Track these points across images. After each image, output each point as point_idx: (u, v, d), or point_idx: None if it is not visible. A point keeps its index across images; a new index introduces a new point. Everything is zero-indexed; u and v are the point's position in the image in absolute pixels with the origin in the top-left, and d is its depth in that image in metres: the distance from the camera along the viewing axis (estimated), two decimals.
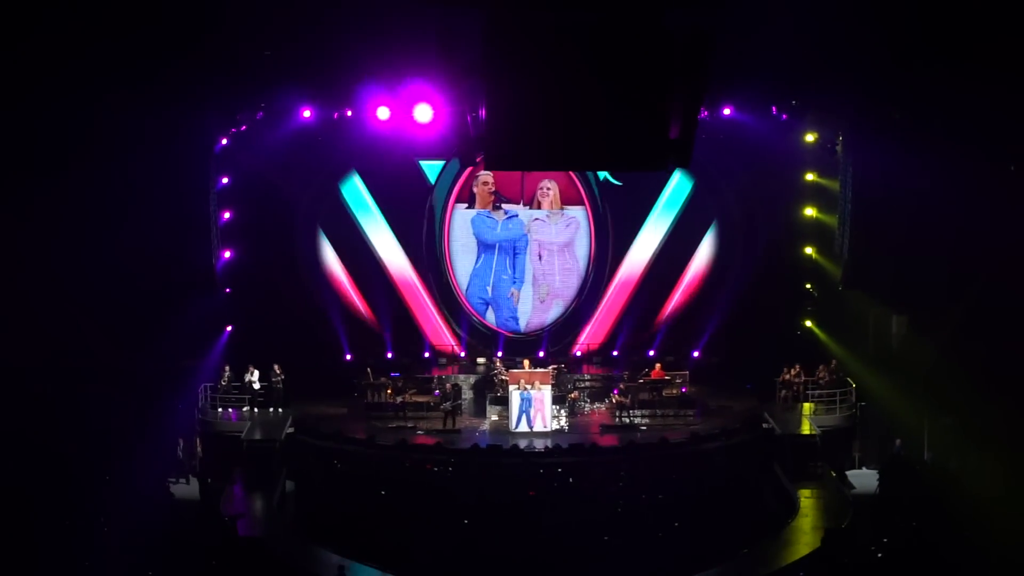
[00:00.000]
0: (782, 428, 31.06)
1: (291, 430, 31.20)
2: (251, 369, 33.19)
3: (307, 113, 33.50)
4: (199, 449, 31.26)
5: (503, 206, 36.22)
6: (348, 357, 36.09)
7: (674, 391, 33.67)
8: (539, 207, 36.31)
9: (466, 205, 36.36)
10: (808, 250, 35.86)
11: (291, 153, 34.18)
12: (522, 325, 37.00)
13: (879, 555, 22.25)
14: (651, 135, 8.00)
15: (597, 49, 7.79)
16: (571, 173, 35.75)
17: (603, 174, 36.06)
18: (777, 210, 35.38)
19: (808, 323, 35.86)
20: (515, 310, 36.75)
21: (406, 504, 27.07)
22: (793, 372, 33.15)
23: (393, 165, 35.85)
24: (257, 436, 30.96)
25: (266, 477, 29.48)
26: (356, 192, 36.15)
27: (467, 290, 36.71)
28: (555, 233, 36.43)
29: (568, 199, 36.37)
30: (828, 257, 35.04)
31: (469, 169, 35.00)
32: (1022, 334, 27.32)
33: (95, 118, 27.75)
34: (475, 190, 36.22)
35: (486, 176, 35.91)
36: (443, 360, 36.83)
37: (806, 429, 31.14)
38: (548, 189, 36.25)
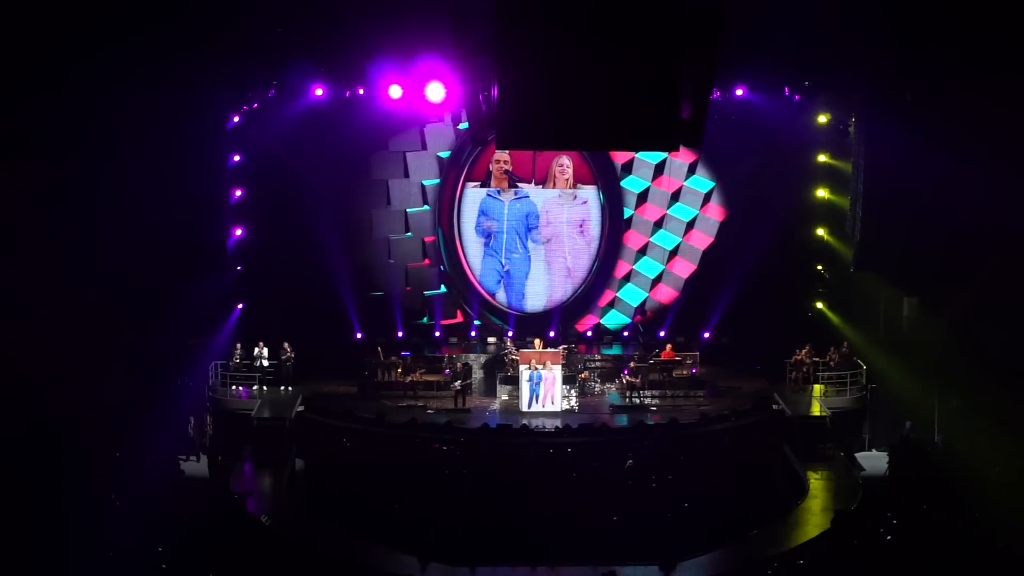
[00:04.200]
0: (792, 410, 31.07)
1: (301, 408, 31.21)
2: (260, 346, 33.27)
3: (319, 91, 33.47)
4: (209, 427, 31.32)
5: (517, 185, 36.15)
6: (358, 336, 36.10)
7: (684, 372, 33.69)
8: (555, 186, 36.25)
9: (478, 184, 36.31)
10: (819, 231, 35.79)
11: (303, 131, 34.16)
12: (533, 305, 36.96)
13: (888, 537, 22.24)
14: (663, 115, 7.97)
15: (609, 28, 7.76)
16: (582, 152, 35.64)
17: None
18: (789, 191, 35.26)
19: (819, 305, 35.82)
20: (525, 288, 36.72)
21: (415, 483, 27.11)
22: (804, 353, 33.11)
23: (404, 143, 35.87)
24: (267, 414, 31.06)
25: (276, 455, 29.58)
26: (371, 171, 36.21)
27: (479, 269, 36.68)
28: (568, 212, 36.38)
29: (580, 178, 36.32)
30: (839, 238, 34.97)
31: (481, 148, 34.98)
32: None
33: (107, 96, 27.74)
34: (491, 168, 36.19)
35: (501, 155, 35.83)
36: (453, 339, 36.84)
37: (816, 411, 31.17)
38: (566, 167, 36.18)
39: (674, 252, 36.63)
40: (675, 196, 36.30)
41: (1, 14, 25.01)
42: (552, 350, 33.00)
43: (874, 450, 31.15)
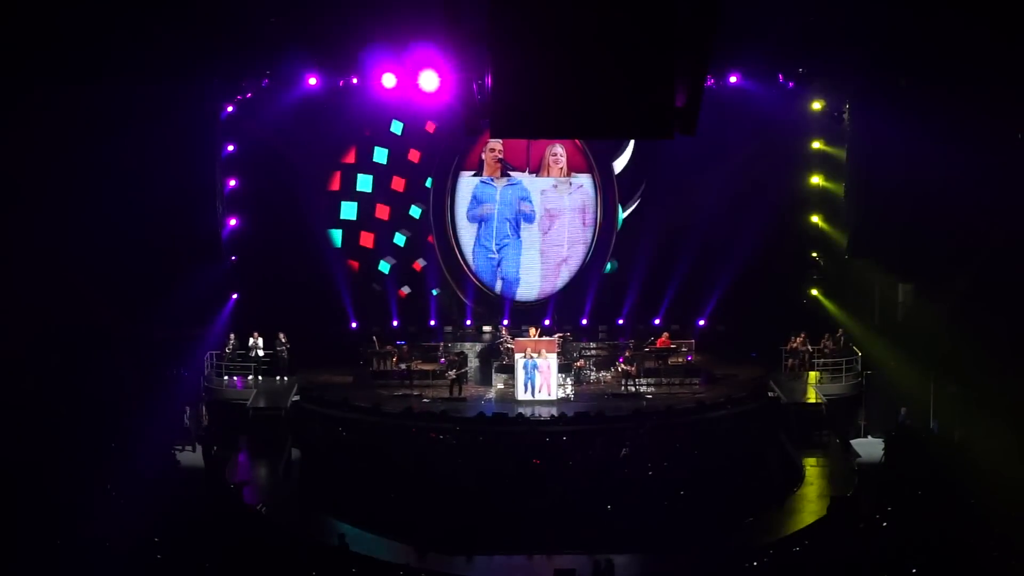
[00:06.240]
0: (788, 397, 31.08)
1: (297, 398, 31.21)
2: (256, 336, 33.21)
3: (313, 80, 33.42)
4: (205, 417, 31.29)
5: (509, 173, 36.14)
6: (354, 325, 36.07)
7: (680, 359, 33.65)
8: (549, 174, 36.22)
9: (472, 172, 36.29)
10: (814, 218, 35.76)
11: (297, 120, 34.11)
12: (528, 293, 36.95)
13: (884, 524, 22.28)
14: (657, 103, 7.93)
15: (603, 15, 7.73)
16: (576, 140, 35.60)
17: None
18: (783, 178, 35.22)
19: (814, 292, 35.82)
20: (519, 277, 36.70)
21: (411, 472, 27.12)
22: (798, 341, 33.11)
23: (398, 132, 35.88)
24: (263, 404, 30.97)
25: (272, 445, 29.54)
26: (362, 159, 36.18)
27: (473, 257, 36.66)
28: (563, 201, 36.34)
29: (574, 166, 36.31)
30: (834, 225, 34.97)
31: (477, 137, 34.92)
32: None
33: (100, 86, 27.71)
34: (483, 157, 36.16)
35: (494, 143, 35.78)
36: (449, 328, 36.83)
37: (812, 398, 31.17)
38: (560, 155, 36.16)
39: None
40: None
41: None
42: (547, 338, 32.98)
43: (870, 437, 31.20)
